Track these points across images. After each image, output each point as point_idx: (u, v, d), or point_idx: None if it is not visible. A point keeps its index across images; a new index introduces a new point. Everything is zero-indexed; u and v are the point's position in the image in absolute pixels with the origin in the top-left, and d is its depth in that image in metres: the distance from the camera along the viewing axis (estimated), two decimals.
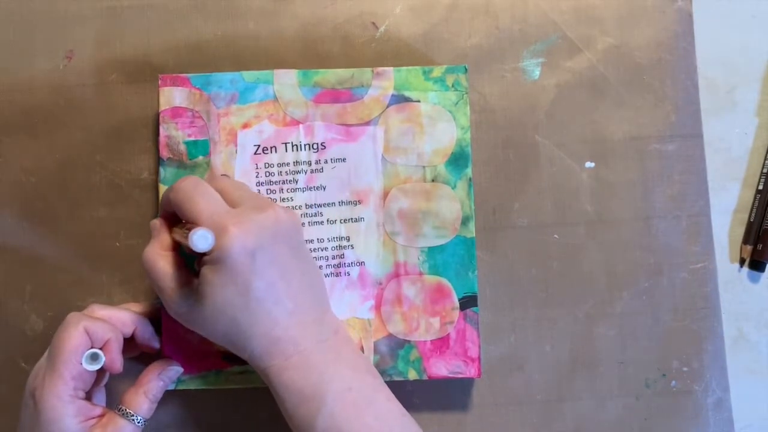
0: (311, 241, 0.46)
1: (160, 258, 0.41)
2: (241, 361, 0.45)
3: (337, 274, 0.46)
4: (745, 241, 0.51)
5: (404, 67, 0.47)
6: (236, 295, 0.38)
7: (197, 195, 0.40)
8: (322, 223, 0.46)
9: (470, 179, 0.47)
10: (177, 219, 0.42)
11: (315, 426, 0.38)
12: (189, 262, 0.42)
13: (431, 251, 0.46)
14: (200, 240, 0.37)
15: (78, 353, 0.40)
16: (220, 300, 0.39)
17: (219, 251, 0.38)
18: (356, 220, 0.47)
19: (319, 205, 0.46)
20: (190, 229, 0.38)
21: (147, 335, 0.44)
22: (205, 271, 0.39)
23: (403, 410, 0.41)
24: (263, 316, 0.39)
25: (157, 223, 0.43)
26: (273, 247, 0.39)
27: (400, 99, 0.47)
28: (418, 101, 0.47)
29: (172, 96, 0.47)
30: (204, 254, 0.39)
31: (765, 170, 0.51)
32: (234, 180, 0.46)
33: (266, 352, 0.39)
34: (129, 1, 0.50)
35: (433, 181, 0.47)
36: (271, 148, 0.47)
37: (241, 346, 0.40)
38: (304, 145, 0.47)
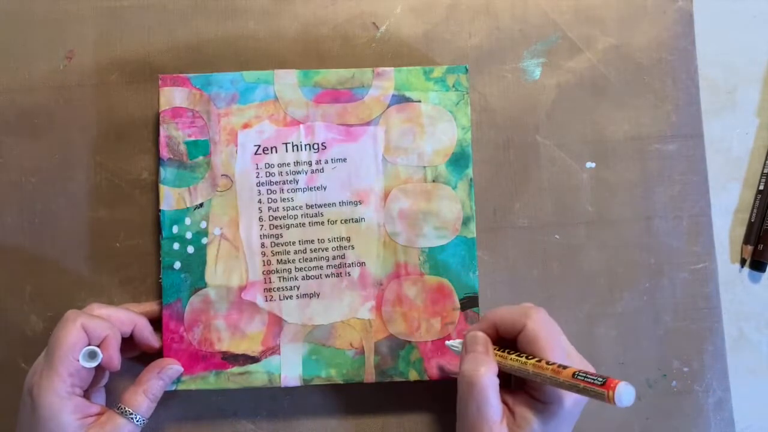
0: (312, 241, 0.46)
1: (491, 386, 0.37)
2: (240, 362, 0.45)
3: (338, 275, 0.46)
4: (746, 242, 0.51)
5: (405, 67, 0.47)
6: None
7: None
8: (322, 223, 0.46)
9: (471, 179, 0.47)
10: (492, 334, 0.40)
11: None
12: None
13: (432, 251, 0.46)
14: (628, 396, 0.32)
15: (75, 350, 0.40)
16: None
17: (563, 408, 0.37)
18: (357, 221, 0.47)
19: (320, 206, 0.46)
20: (557, 370, 0.35)
21: (146, 334, 0.44)
22: (530, 415, 0.37)
23: None
24: None
25: (479, 337, 0.39)
26: None
27: (400, 99, 0.47)
28: (419, 101, 0.47)
29: (173, 96, 0.47)
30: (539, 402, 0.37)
31: (765, 170, 0.51)
32: None
33: None
34: (129, 1, 0.50)
35: (433, 181, 0.47)
36: (271, 148, 0.47)
37: None
38: (305, 145, 0.47)
